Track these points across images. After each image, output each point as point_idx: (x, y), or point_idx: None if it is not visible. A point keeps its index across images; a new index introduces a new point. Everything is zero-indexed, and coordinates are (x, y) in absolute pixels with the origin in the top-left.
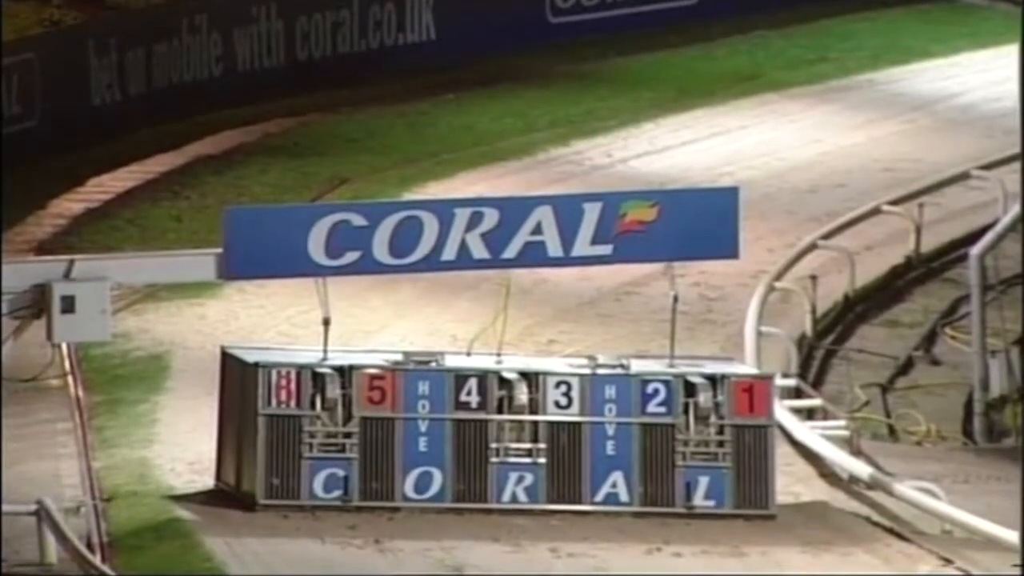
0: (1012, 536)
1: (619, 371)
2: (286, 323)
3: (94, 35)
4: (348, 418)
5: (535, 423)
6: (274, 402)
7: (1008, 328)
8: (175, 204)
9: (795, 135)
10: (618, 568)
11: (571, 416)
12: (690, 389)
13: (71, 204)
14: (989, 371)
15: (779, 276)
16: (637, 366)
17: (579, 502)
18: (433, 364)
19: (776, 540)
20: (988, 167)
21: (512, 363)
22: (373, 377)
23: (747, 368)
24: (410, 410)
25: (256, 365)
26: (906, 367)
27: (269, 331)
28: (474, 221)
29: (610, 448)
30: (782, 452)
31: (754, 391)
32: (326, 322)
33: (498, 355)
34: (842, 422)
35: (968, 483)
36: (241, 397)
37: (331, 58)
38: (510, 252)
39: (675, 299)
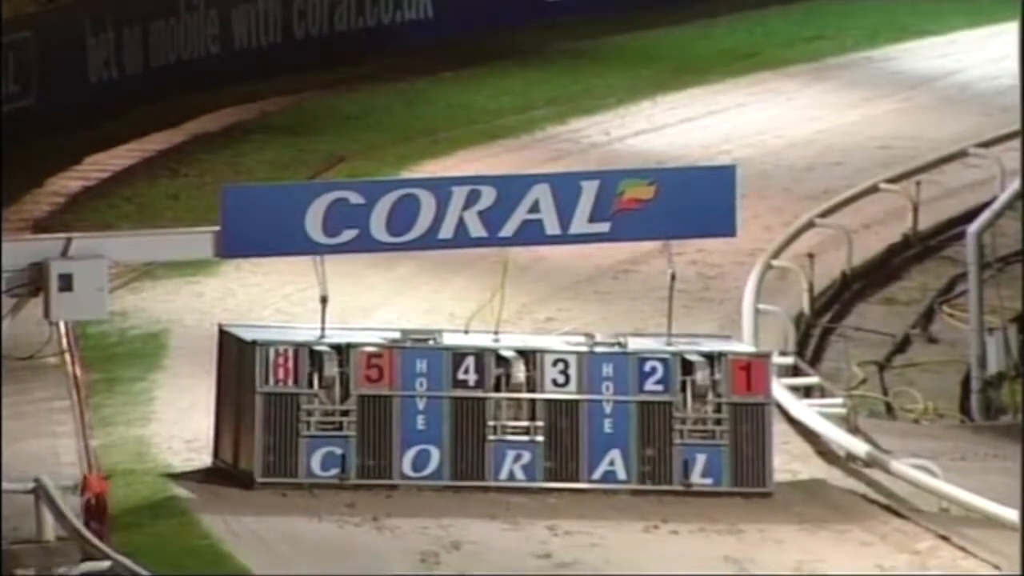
0: (1010, 514)
1: (616, 349)
2: (283, 301)
3: (91, 13)
4: (346, 396)
5: (532, 401)
6: (271, 380)
7: (1005, 306)
8: (172, 182)
9: (792, 113)
10: (616, 546)
11: (568, 394)
12: (687, 367)
13: (68, 182)
14: (986, 349)
15: (776, 254)
16: (634, 344)
17: (576, 480)
18: (431, 342)
19: (773, 518)
20: (986, 145)
21: (510, 341)
22: (371, 355)
23: (744, 346)
24: (408, 388)
25: (253, 343)
26: (903, 345)
27: (267, 309)
28: (471, 199)
29: (607, 426)
30: (779, 430)
31: (751, 369)
32: (323, 300)
33: (496, 333)
34: (839, 400)
35: (965, 461)
36: (238, 375)
37: (329, 36)
38: (507, 230)
39: (672, 277)
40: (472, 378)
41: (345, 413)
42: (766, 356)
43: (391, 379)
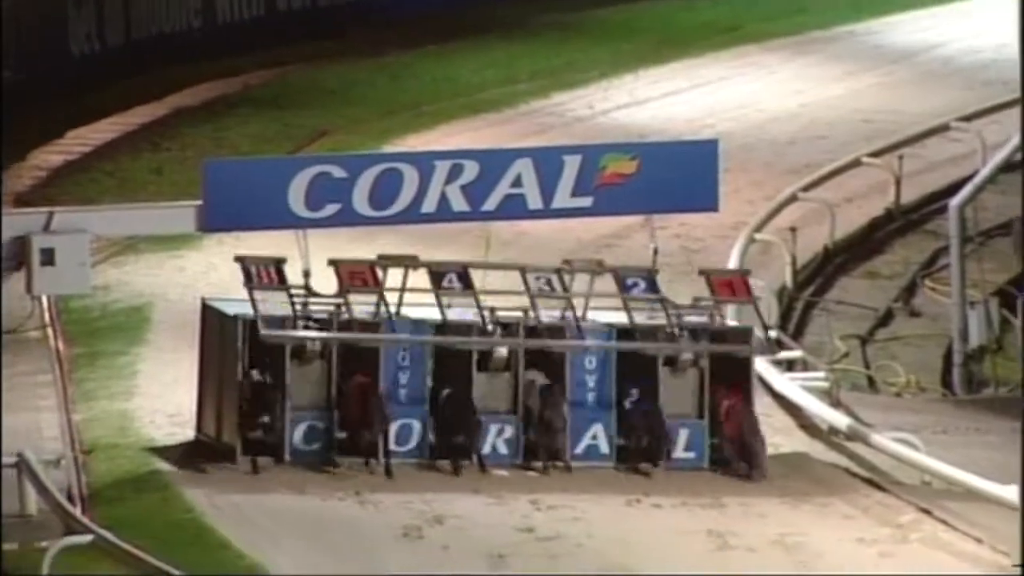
0: (991, 487)
1: (600, 324)
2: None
3: None
4: (328, 370)
5: (515, 376)
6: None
7: (987, 279)
8: (155, 156)
9: (775, 87)
10: (598, 520)
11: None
12: (671, 341)
13: (50, 156)
14: (968, 322)
15: (759, 228)
16: (618, 318)
17: (559, 456)
18: (414, 316)
19: (756, 491)
20: (968, 118)
21: (494, 317)
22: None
23: (727, 320)
24: (390, 363)
25: (236, 318)
26: (886, 318)
27: None
28: (454, 173)
29: (590, 399)
30: (762, 403)
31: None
32: (306, 274)
33: (479, 308)
34: (822, 373)
35: (947, 434)
36: (221, 349)
37: (312, 9)
38: (490, 204)
39: (655, 251)
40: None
41: (328, 387)
42: (748, 330)
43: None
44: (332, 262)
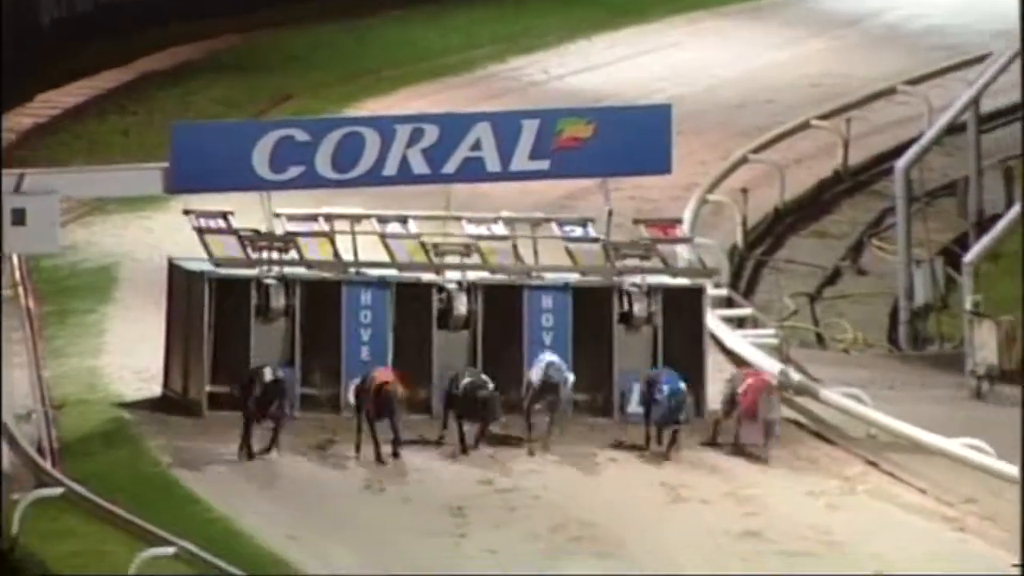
0: (936, 440)
1: (557, 282)
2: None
3: None
4: (292, 327)
5: (474, 332)
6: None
7: (933, 239)
8: (123, 119)
9: (726, 52)
10: (554, 472)
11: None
12: (625, 298)
13: (20, 119)
14: (914, 281)
15: (711, 189)
16: (572, 277)
17: (519, 410)
18: (376, 275)
19: (709, 444)
20: (914, 82)
21: (452, 275)
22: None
23: (680, 279)
24: (352, 320)
25: (202, 275)
26: (834, 277)
27: None
28: (415, 137)
29: (548, 356)
30: (714, 360)
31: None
32: (270, 234)
33: (440, 265)
34: (772, 330)
35: (893, 389)
36: (187, 307)
37: None
38: (450, 167)
39: (610, 213)
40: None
41: (291, 344)
42: (701, 289)
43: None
44: (279, 214)
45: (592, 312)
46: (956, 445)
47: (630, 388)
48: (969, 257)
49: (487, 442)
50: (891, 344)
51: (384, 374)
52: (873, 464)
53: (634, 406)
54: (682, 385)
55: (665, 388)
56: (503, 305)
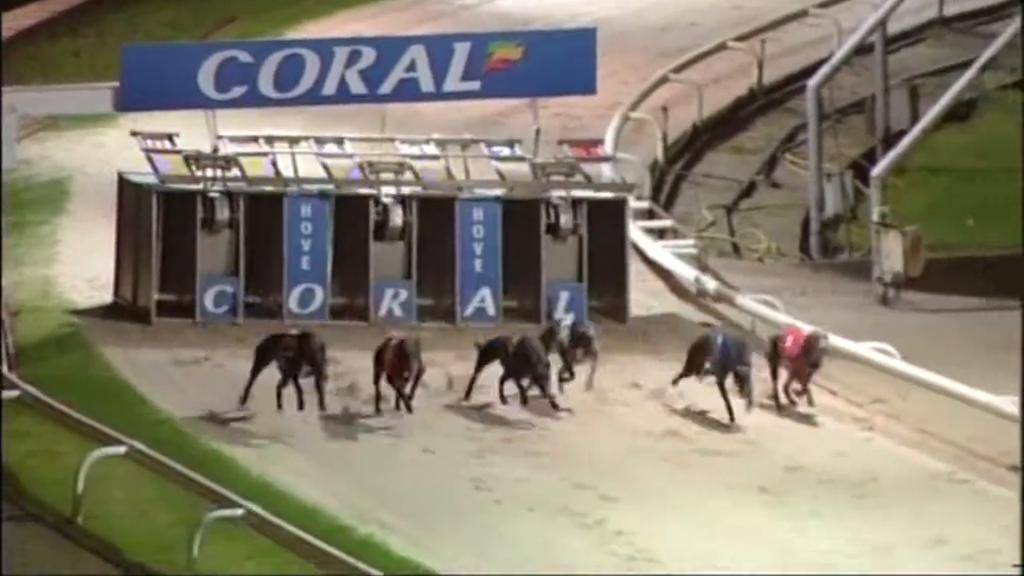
0: (845, 343)
1: (487, 195)
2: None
3: None
4: (236, 239)
5: (409, 243)
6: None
7: (843, 153)
8: (74, 41)
9: None
10: (484, 374)
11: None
12: (552, 210)
13: None
14: (825, 193)
15: (633, 107)
16: (502, 192)
17: (451, 318)
18: (316, 188)
19: (632, 348)
20: (824, 5)
21: (388, 189)
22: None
23: (604, 192)
24: (294, 232)
25: (151, 189)
26: (749, 190)
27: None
28: (353, 59)
29: (478, 266)
30: (636, 269)
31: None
32: (215, 151)
33: (376, 178)
34: (691, 241)
35: (805, 296)
36: (137, 219)
37: None
38: (386, 88)
39: (537, 132)
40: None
41: (235, 255)
42: (624, 201)
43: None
44: (220, 136)
45: (520, 224)
46: (864, 348)
47: (556, 295)
48: (876, 171)
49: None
50: (803, 253)
51: (399, 335)
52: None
53: (561, 313)
54: (735, 341)
55: (719, 340)
56: (436, 217)
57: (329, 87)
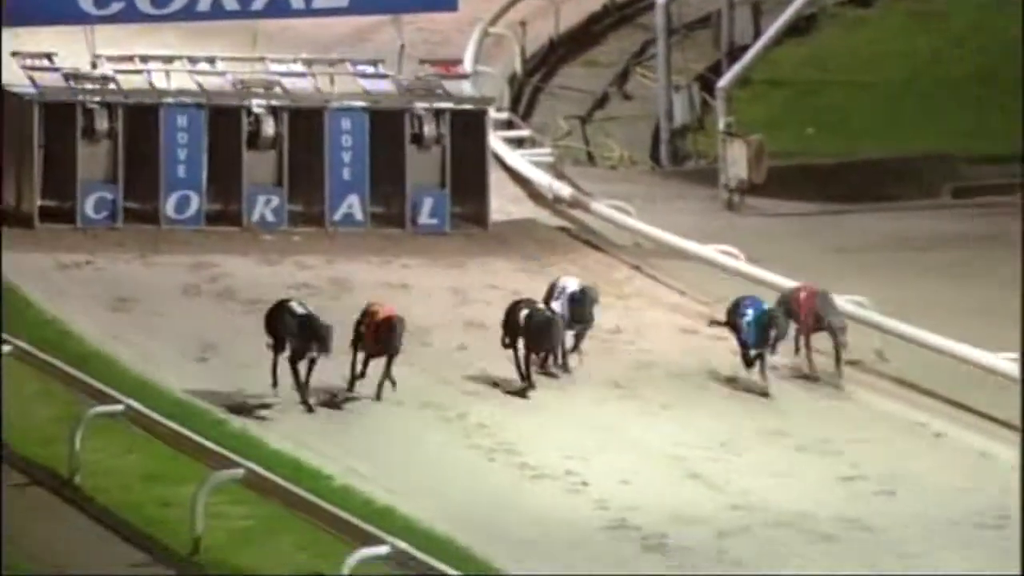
0: (692, 246)
1: (355, 105)
2: (59, 63)
3: None
4: (115, 148)
5: (280, 152)
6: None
7: (690, 67)
8: None
9: None
10: (357, 273)
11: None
12: (416, 121)
13: None
14: (673, 104)
15: (493, 22)
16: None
17: (320, 223)
18: (190, 99)
19: (491, 252)
20: None
21: (260, 100)
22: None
23: (466, 104)
24: (171, 140)
25: (32, 100)
26: (602, 101)
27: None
28: None
29: (346, 174)
30: (496, 177)
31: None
32: (94, 65)
33: (247, 94)
34: (547, 150)
35: (655, 202)
36: (19, 129)
37: None
38: (258, 4)
39: (402, 47)
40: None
41: (114, 163)
42: (484, 112)
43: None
44: (98, 55)
45: (386, 133)
46: (710, 251)
47: (420, 201)
48: (722, 83)
49: (293, 252)
50: (653, 161)
51: (388, 309)
52: (638, 269)
53: (425, 217)
54: (765, 306)
55: (749, 312)
56: (307, 127)
57: (203, 4)
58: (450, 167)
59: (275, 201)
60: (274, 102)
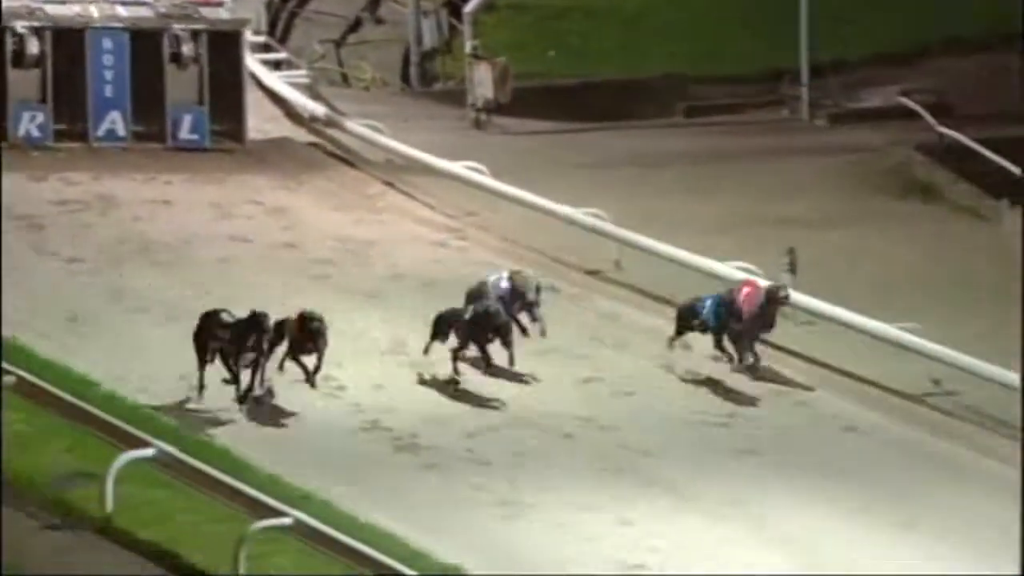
0: (442, 163)
1: (115, 25)
2: None
3: None
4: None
5: (44, 71)
6: None
7: None
8: None
9: None
10: (121, 190)
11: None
12: (175, 41)
13: None
14: (422, 28)
15: None
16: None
17: (84, 139)
18: None
19: (249, 169)
20: None
21: (23, 21)
22: None
23: (221, 25)
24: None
25: None
26: (356, 26)
27: None
28: None
29: (108, 92)
30: (254, 97)
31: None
32: None
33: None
34: (304, 71)
35: (407, 122)
36: None
37: None
38: None
39: None
40: None
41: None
42: (241, 33)
43: None
44: None
45: (147, 53)
46: (459, 167)
47: (180, 118)
48: (468, 8)
49: (58, 168)
50: (404, 83)
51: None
52: (390, 184)
53: (185, 133)
54: (721, 296)
55: (708, 303)
56: (70, 47)
57: None
58: (208, 86)
59: (40, 117)
60: (36, 23)
